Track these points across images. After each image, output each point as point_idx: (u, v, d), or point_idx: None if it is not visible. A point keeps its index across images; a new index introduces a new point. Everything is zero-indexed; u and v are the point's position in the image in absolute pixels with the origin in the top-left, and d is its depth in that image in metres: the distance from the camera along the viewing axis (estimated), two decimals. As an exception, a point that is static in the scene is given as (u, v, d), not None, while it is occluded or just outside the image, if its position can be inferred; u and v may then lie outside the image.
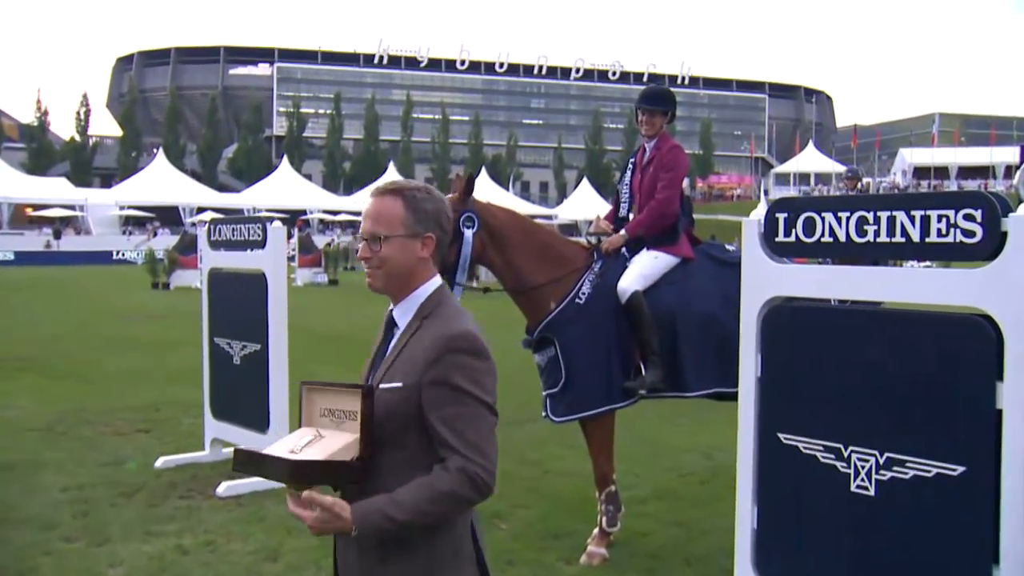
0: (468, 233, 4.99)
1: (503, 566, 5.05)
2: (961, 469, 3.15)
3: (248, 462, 2.28)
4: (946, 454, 3.19)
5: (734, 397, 3.94)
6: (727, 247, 5.76)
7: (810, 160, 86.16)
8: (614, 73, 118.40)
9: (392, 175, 73.70)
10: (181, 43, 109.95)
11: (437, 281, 2.35)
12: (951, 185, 78.02)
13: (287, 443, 2.30)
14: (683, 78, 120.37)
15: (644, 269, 5.29)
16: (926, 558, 3.26)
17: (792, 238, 3.60)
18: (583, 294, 5.17)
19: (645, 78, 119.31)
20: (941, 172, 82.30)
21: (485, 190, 71.13)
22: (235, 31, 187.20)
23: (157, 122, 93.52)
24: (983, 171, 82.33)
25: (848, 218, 3.44)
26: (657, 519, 5.90)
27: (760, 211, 3.74)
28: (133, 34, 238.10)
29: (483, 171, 78.41)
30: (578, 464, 6.58)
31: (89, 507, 6.14)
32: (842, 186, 15.53)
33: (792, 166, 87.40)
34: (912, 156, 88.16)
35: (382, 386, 2.23)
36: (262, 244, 6.92)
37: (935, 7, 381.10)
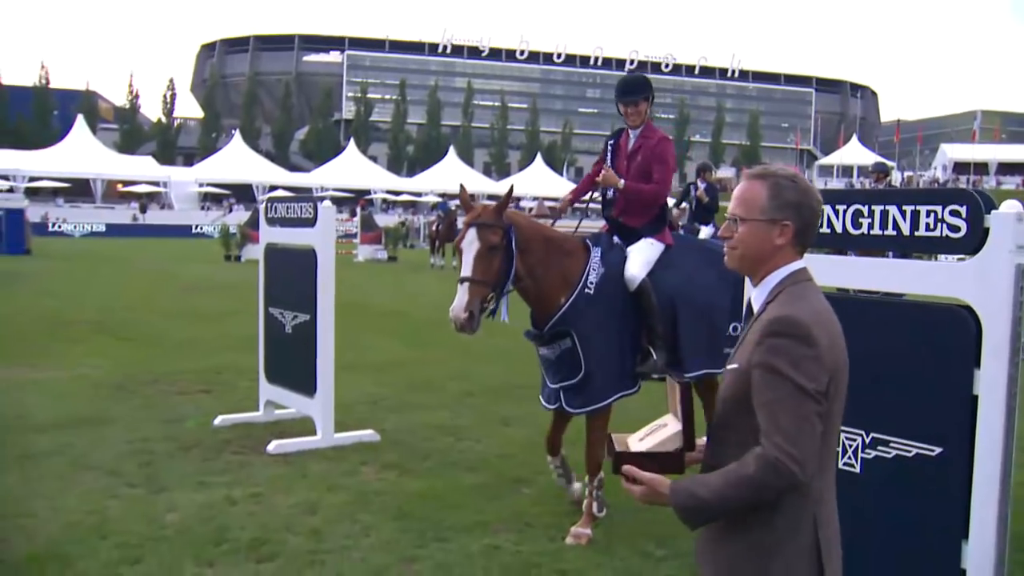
0: (513, 243, 4.87)
1: (521, 527, 5.16)
2: (939, 450, 3.18)
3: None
4: (926, 435, 3.22)
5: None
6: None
7: (854, 153, 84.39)
8: (667, 65, 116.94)
9: (452, 159, 74.00)
10: (259, 31, 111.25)
11: (793, 267, 2.22)
12: (990, 181, 76.09)
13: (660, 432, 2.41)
14: (733, 71, 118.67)
15: (646, 256, 5.28)
16: (903, 532, 3.29)
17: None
18: (591, 284, 5.08)
19: (697, 70, 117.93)
20: (981, 168, 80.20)
21: (541, 175, 71.25)
22: (309, 20, 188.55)
23: (235, 105, 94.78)
24: (1023, 168, 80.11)
25: (845, 211, 3.47)
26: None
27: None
28: (216, 23, 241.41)
29: (539, 157, 78.35)
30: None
31: (151, 458, 6.38)
32: (870, 180, 15.27)
33: (836, 159, 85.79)
34: (953, 152, 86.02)
35: (727, 367, 2.23)
36: (313, 222, 7.06)
37: (980, 5, 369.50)
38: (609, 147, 5.66)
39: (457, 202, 18.89)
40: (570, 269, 5.11)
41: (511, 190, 4.95)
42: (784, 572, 2.09)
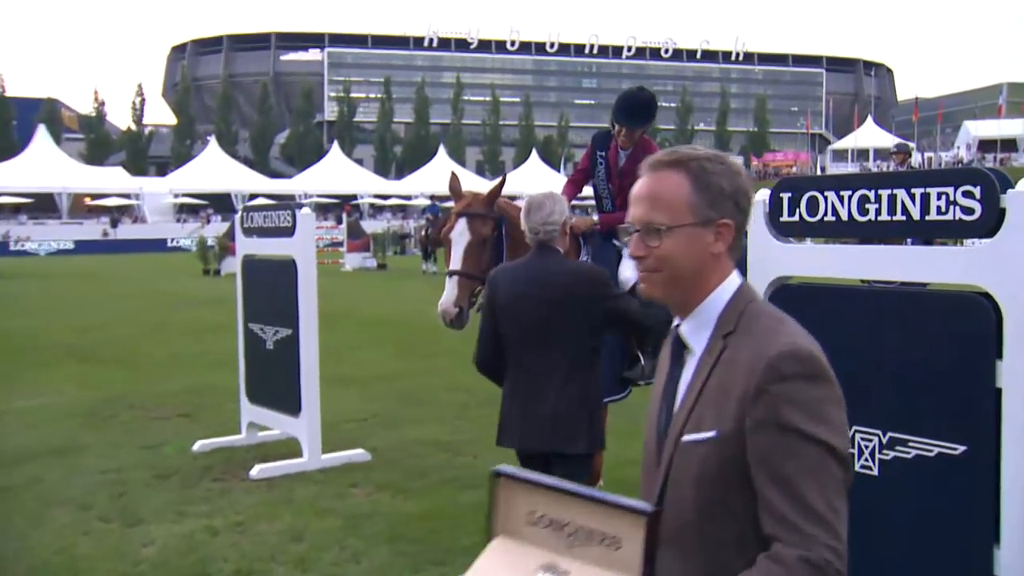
0: (504, 234, 4.83)
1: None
2: (962, 448, 3.15)
3: None
4: (948, 433, 3.19)
5: None
6: None
7: (869, 135, 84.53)
8: (667, 51, 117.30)
9: (442, 158, 74.04)
10: (233, 30, 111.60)
11: (736, 281, 1.79)
12: (1019, 158, 75.85)
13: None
14: (737, 54, 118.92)
15: None
16: (928, 538, 3.26)
17: (796, 217, 3.61)
18: None
19: (699, 55, 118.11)
20: (1008, 145, 79.94)
21: (537, 172, 71.28)
22: (286, 17, 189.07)
23: (210, 110, 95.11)
24: (1055, 144, 79.96)
25: (850, 197, 3.45)
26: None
27: (764, 192, 3.75)
28: (187, 23, 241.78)
29: (534, 153, 78.47)
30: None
31: (126, 489, 6.36)
32: (892, 162, 15.29)
33: (850, 142, 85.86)
34: (977, 129, 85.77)
35: (688, 438, 1.69)
36: (291, 231, 7.05)
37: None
38: (600, 159, 5.59)
39: (449, 203, 18.88)
40: None
41: (503, 178, 4.97)
42: None
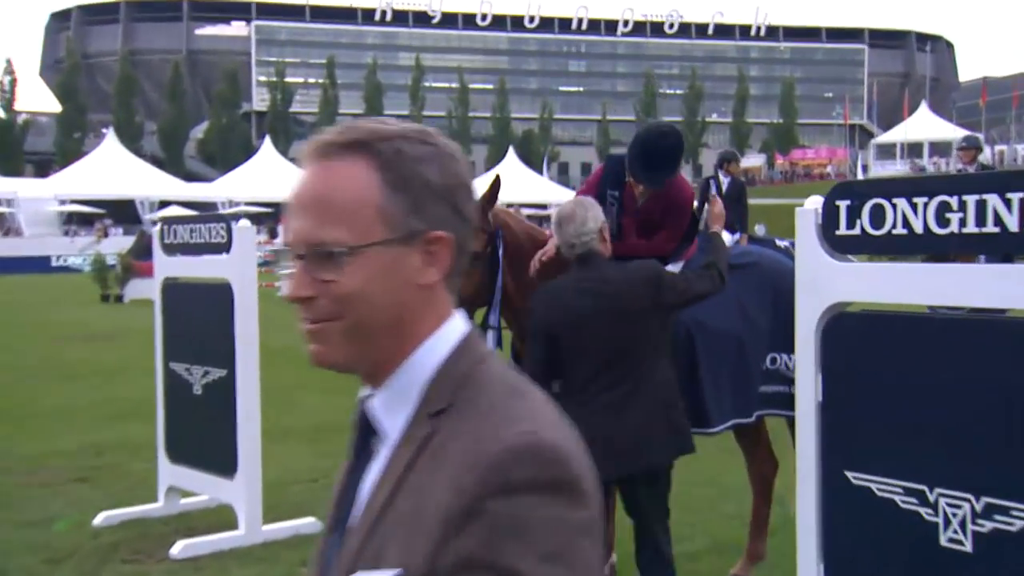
0: (500, 252, 4.92)
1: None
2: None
3: None
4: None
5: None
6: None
7: (923, 125, 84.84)
8: (671, 26, 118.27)
9: None
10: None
11: (458, 330, 1.47)
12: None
13: None
14: (758, 28, 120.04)
15: None
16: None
17: (857, 230, 3.64)
18: None
19: (711, 30, 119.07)
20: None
21: (515, 174, 71.30)
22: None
23: (106, 95, 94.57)
24: None
25: (926, 204, 3.47)
26: (713, 580, 5.92)
27: (816, 199, 3.80)
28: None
29: (511, 151, 78.65)
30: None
31: (7, 579, 6.28)
32: (959, 160, 15.46)
33: (899, 134, 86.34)
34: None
35: None
36: (227, 248, 7.06)
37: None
38: (613, 200, 5.50)
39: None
40: None
41: (497, 181, 5.00)
42: None
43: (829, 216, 3.72)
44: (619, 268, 4.54)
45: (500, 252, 4.91)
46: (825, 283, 3.80)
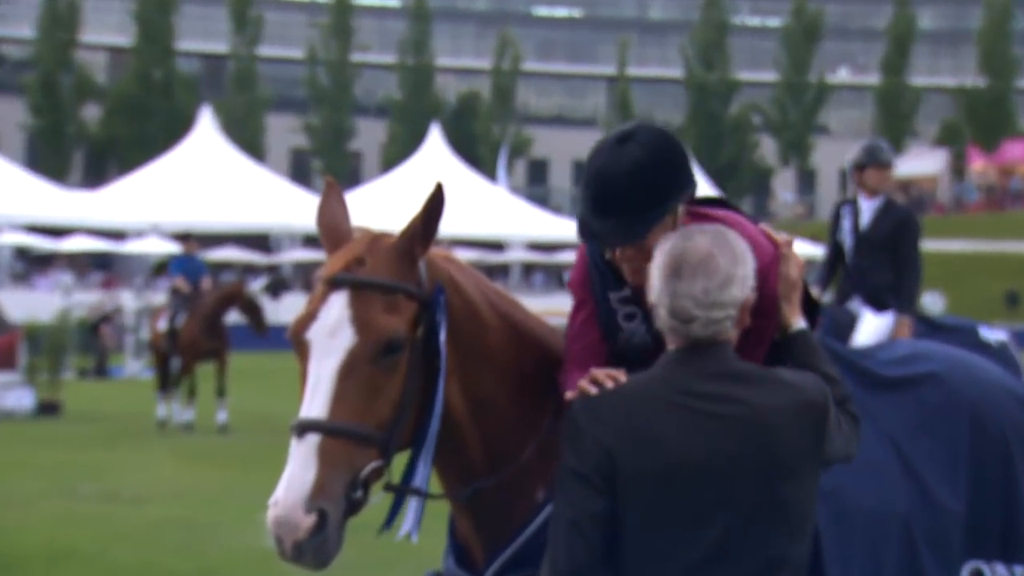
0: (443, 337, 3.03)
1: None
2: None
3: None
4: None
5: None
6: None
7: None
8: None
9: (204, 138, 45.23)
10: None
11: None
12: None
13: None
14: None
15: None
16: None
17: None
18: None
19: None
20: None
21: (442, 171, 36.32)
22: None
23: None
24: None
25: None
26: None
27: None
28: None
29: (434, 134, 47.88)
30: None
31: None
32: None
33: None
34: None
35: None
36: None
37: None
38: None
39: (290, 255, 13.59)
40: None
41: (439, 191, 2.96)
42: None
43: None
44: (767, 378, 2.73)
45: (441, 336, 3.04)
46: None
